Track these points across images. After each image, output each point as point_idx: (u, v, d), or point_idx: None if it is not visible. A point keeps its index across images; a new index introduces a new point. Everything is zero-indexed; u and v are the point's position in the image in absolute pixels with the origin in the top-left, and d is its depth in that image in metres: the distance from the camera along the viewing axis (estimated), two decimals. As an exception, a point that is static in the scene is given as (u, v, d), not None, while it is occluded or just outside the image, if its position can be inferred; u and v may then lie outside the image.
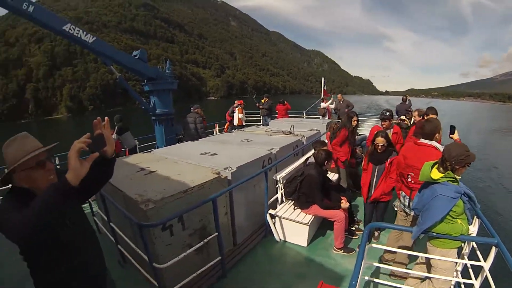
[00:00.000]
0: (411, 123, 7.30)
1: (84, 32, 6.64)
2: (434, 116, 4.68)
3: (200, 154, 4.69)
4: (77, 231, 1.68)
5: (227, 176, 3.72)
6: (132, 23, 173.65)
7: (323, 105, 12.12)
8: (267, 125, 9.37)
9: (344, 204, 4.04)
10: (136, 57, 7.98)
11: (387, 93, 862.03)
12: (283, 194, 4.48)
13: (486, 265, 2.45)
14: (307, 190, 4.04)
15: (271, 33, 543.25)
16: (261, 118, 12.68)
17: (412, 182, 3.18)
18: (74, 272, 1.63)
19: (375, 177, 3.77)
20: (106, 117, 1.50)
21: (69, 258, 1.60)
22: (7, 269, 3.86)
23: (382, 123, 4.68)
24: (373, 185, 3.82)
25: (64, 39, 7.15)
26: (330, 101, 12.22)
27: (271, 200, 4.39)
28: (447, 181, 2.43)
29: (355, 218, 4.68)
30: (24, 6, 5.41)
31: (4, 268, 3.92)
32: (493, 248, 2.40)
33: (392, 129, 4.75)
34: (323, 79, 14.70)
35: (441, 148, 2.99)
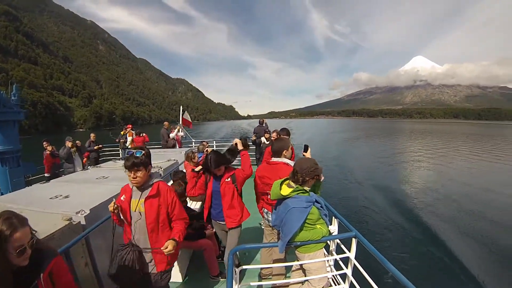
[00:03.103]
0: (269, 143, 7.87)
1: None
2: (285, 136, 5.14)
3: (51, 198, 4.01)
4: None
5: (80, 221, 3.26)
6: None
7: (171, 135, 11.92)
8: None
9: (209, 231, 4.06)
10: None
11: (249, 117, 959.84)
12: None
13: (352, 255, 2.82)
14: None
15: (139, 60, 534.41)
16: (120, 152, 12.33)
17: (271, 199, 3.36)
18: None
19: None
20: None
21: None
22: None
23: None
24: None
25: None
26: (176, 129, 12.15)
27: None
28: (297, 194, 2.63)
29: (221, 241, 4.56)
30: None
31: None
32: (353, 240, 2.79)
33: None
34: (181, 107, 14.65)
35: (291, 163, 3.27)
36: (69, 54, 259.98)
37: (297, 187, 2.64)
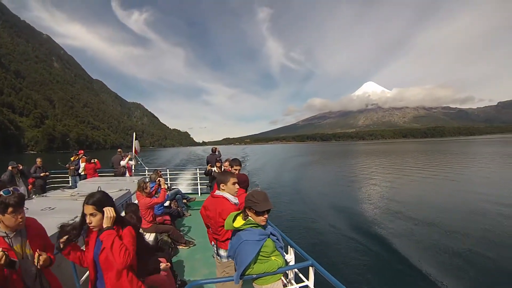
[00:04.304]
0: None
1: None
2: (237, 167, 5.12)
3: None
4: None
5: None
6: None
7: (122, 163, 11.21)
8: (76, 186, 8.35)
9: (164, 265, 3.60)
10: None
11: (204, 143, 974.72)
12: None
13: (310, 283, 2.83)
14: None
15: (94, 81, 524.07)
16: (70, 179, 11.40)
17: (212, 231, 3.33)
18: None
19: None
20: None
21: None
22: None
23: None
24: None
25: None
26: (128, 157, 11.45)
27: (82, 278, 3.51)
28: (250, 227, 2.60)
29: (177, 275, 4.35)
30: None
31: None
32: (310, 268, 2.83)
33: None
34: (134, 134, 13.50)
35: (232, 198, 3.23)
36: (21, 69, 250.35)
37: (248, 220, 2.61)
